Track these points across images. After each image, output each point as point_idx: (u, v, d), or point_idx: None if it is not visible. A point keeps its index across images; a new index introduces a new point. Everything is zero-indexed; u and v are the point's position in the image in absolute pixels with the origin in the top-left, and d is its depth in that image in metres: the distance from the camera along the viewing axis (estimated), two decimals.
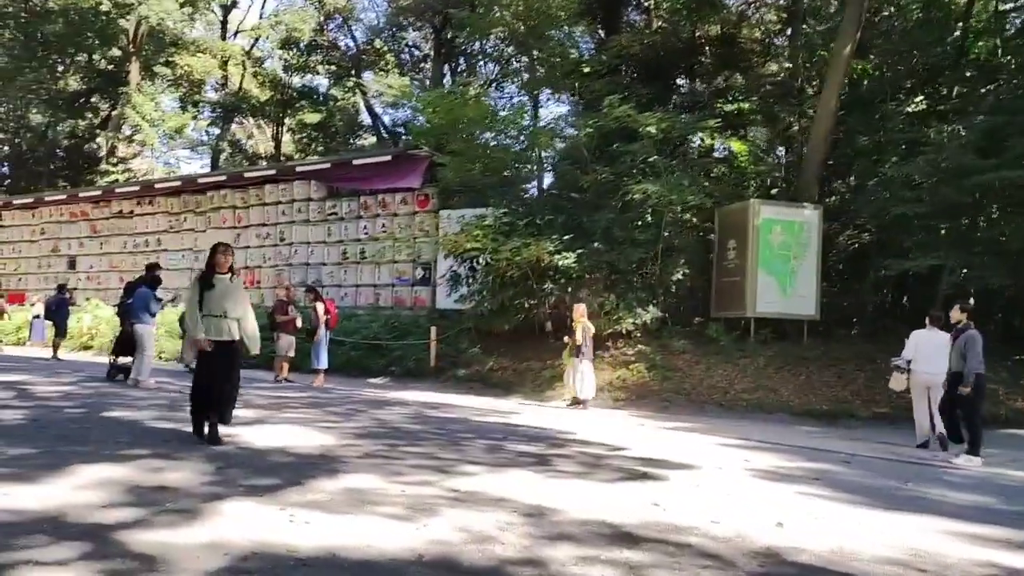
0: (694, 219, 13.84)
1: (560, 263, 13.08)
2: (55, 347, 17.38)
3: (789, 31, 16.53)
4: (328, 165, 18.95)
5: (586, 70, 15.08)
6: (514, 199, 15.24)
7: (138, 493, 4.25)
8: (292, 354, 13.65)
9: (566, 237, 13.21)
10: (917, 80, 13.40)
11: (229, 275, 6.47)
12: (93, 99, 34.36)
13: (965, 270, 11.76)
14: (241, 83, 36.57)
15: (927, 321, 8.85)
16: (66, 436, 6.06)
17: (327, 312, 13.33)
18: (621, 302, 12.92)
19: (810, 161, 13.08)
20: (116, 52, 30.39)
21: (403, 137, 28.45)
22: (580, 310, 11.53)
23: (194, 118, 31.18)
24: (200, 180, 21.48)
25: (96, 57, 31.50)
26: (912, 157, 11.94)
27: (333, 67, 34.91)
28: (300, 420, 7.93)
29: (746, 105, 14.55)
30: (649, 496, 4.96)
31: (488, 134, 15.49)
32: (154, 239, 22.50)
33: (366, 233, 18.56)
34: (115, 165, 29.05)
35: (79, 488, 4.29)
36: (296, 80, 35.49)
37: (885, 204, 11.86)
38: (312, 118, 36.39)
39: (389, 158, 17.61)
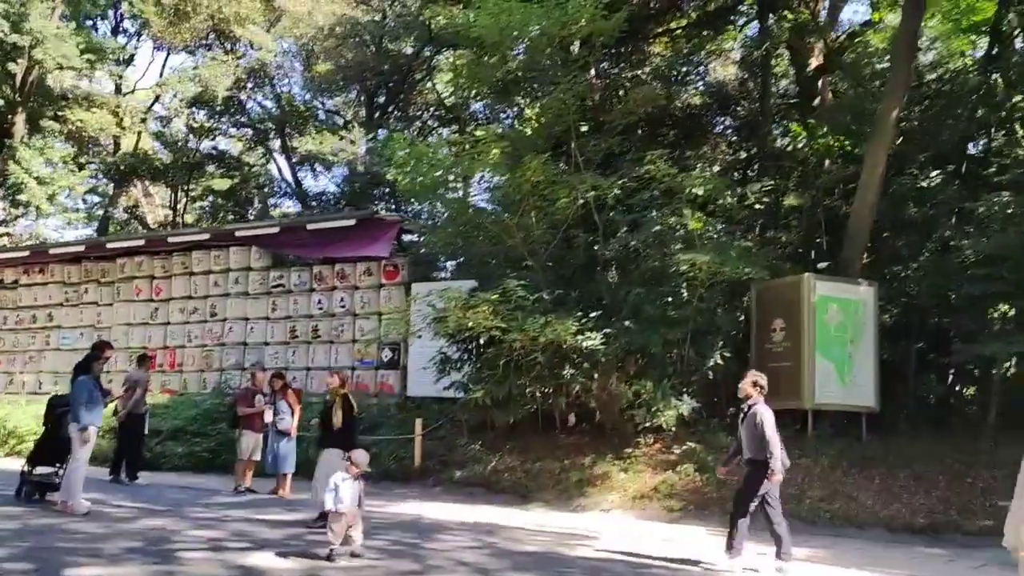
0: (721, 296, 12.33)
1: (584, 344, 11.19)
2: None
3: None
4: (276, 229, 16.45)
5: (584, 128, 13.54)
6: (511, 270, 13.32)
7: None
8: (257, 457, 10.97)
9: (592, 315, 11.36)
10: (960, 146, 12.67)
11: None
12: None
13: None
14: (137, 143, 33.29)
15: None
16: None
17: (297, 399, 10.77)
18: (658, 391, 11.08)
19: (854, 232, 11.95)
20: None
21: (335, 204, 26.07)
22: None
23: (92, 176, 27.58)
24: (110, 245, 18.29)
25: None
26: (964, 227, 11.06)
27: (248, 130, 32.33)
28: None
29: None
30: None
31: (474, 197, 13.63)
32: (44, 314, 18.94)
33: (320, 308, 16.03)
34: None
35: None
36: (205, 144, 32.58)
37: (947, 282, 10.81)
38: (221, 184, 33.39)
39: (353, 223, 15.37)
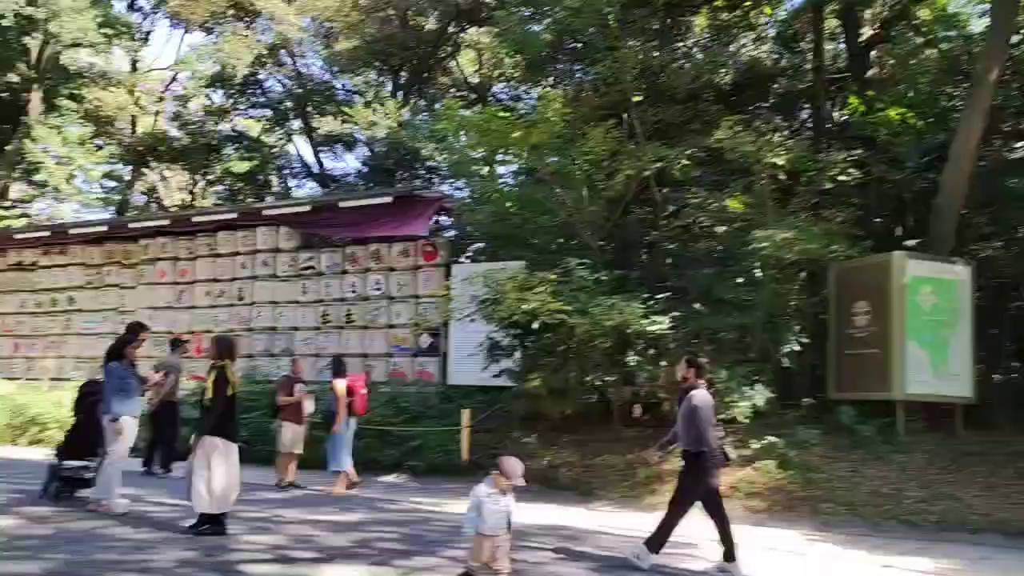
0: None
1: (651, 329, 10.30)
2: None
3: None
4: (307, 208, 15.57)
5: (637, 99, 12.58)
6: (565, 250, 12.44)
7: None
8: (299, 450, 10.14)
9: (660, 297, 10.47)
10: None
11: None
12: None
13: None
14: (155, 124, 32.48)
15: None
16: None
17: (350, 393, 9.92)
18: (734, 380, 10.18)
19: (945, 206, 10.97)
20: (13, 78, 25.83)
21: (365, 186, 25.14)
22: None
23: (110, 158, 26.77)
24: (132, 225, 17.48)
25: None
26: None
27: (268, 110, 31.42)
28: None
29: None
30: None
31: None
32: (64, 297, 18.18)
33: (354, 291, 15.17)
34: (8, 209, 24.30)
35: None
36: (223, 125, 31.70)
37: None
38: (240, 166, 32.54)
39: (389, 200, 14.45)
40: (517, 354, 11.85)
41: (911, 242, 11.58)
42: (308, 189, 31.56)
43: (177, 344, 11.16)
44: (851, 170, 10.53)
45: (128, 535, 5.93)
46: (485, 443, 12.16)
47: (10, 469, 11.03)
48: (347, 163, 31.96)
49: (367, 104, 29.22)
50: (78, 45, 25.27)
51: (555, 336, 10.79)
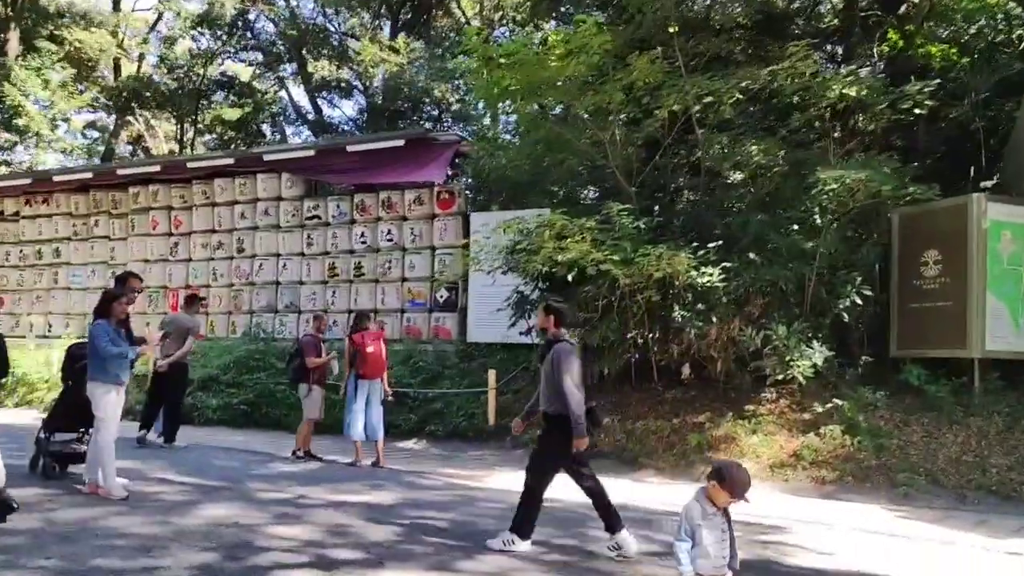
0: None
1: (700, 282, 9.31)
2: None
3: None
4: (311, 152, 14.35)
5: (672, 29, 11.36)
6: (598, 195, 11.39)
7: None
8: (321, 416, 9.18)
9: (712, 246, 9.45)
10: None
11: None
12: None
13: None
14: (139, 68, 30.85)
15: None
16: None
17: (354, 347, 8.80)
18: (792, 337, 9.22)
19: (1020, 143, 9.92)
20: None
21: (354, 133, 23.76)
22: None
23: (94, 101, 25.26)
24: (121, 172, 16.23)
25: None
26: None
27: (259, 54, 29.80)
28: None
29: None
30: None
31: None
32: (50, 249, 17.02)
33: (363, 243, 14.08)
34: None
35: None
36: (212, 70, 30.08)
37: None
38: (231, 114, 31.04)
39: (401, 143, 13.29)
40: None
41: (987, 183, 10.53)
42: (304, 138, 30.23)
43: (193, 301, 10.02)
44: (927, 103, 9.40)
45: (130, 528, 4.97)
46: (511, 406, 11.27)
47: None
48: (343, 111, 30.51)
49: (372, 40, 27.63)
50: None
51: (594, 288, 9.79)
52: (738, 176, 10.61)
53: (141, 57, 30.60)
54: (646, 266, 8.93)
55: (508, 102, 11.02)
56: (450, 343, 13.06)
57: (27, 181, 17.15)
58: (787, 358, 9.20)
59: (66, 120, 29.17)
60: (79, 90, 27.35)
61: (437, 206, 13.46)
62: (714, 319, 9.54)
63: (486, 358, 12.30)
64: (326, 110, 29.28)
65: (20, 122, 22.55)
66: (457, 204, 13.35)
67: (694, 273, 9.24)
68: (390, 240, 13.82)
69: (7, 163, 24.20)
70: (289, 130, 29.75)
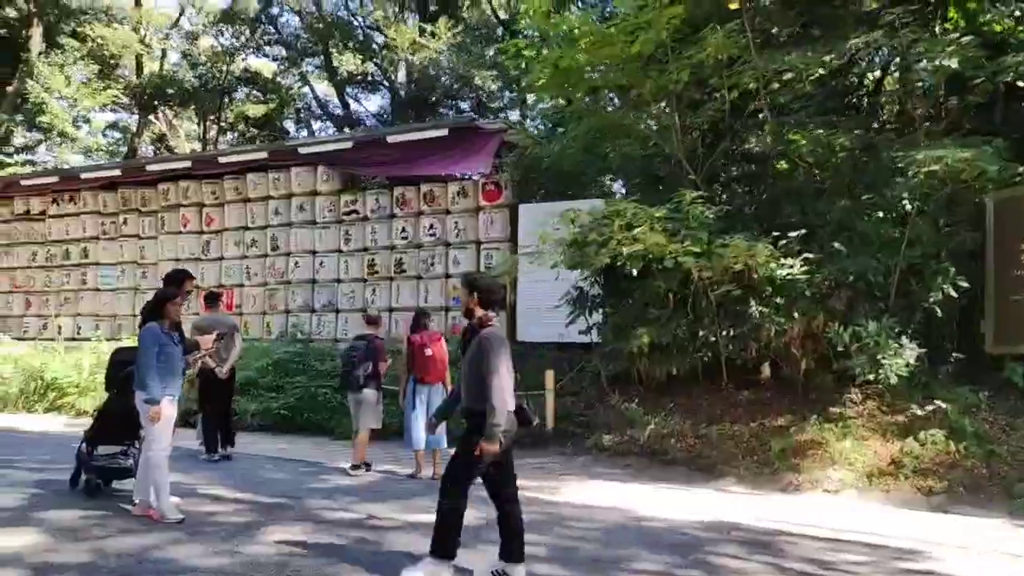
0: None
1: (780, 274, 8.60)
2: None
3: None
4: (349, 144, 13.72)
5: (733, 5, 10.60)
6: (656, 183, 10.69)
7: None
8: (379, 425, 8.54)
9: (793, 235, 8.73)
10: None
11: None
12: None
13: None
14: (161, 65, 30.42)
15: None
16: None
17: (412, 348, 8.13)
18: (882, 334, 8.47)
19: None
20: (11, 13, 23.77)
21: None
22: None
23: (115, 102, 24.77)
24: (150, 168, 15.69)
25: None
26: None
27: (283, 48, 29.25)
28: None
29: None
30: None
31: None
32: (78, 249, 16.53)
33: (404, 238, 13.45)
34: (12, 155, 22.50)
35: None
36: (236, 65, 29.57)
37: None
38: (256, 110, 30.55)
39: (444, 133, 12.63)
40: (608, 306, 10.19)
41: None
42: (329, 134, 29.62)
43: (217, 298, 9.38)
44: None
45: (194, 559, 4.34)
46: (570, 410, 10.62)
47: (28, 446, 9.50)
48: (365, 107, 29.81)
49: (386, 46, 26.89)
50: None
51: (664, 283, 9.11)
52: (813, 160, 9.83)
53: (163, 54, 30.17)
54: (726, 258, 8.24)
55: (565, 85, 10.26)
56: None
57: (54, 179, 16.65)
58: (878, 356, 8.46)
59: (87, 120, 28.81)
60: (101, 88, 26.96)
61: (482, 198, 12.79)
62: (795, 314, 8.83)
63: (539, 359, 11.63)
64: (352, 105, 28.71)
65: (43, 119, 22.12)
66: (504, 196, 12.67)
67: (773, 265, 8.55)
68: (432, 235, 13.17)
69: (32, 163, 23.80)
70: (316, 125, 29.22)
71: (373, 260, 13.65)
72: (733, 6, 10.35)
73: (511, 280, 12.46)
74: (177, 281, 6.60)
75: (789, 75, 9.05)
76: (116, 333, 15.25)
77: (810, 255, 8.74)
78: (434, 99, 20.13)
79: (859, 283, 8.91)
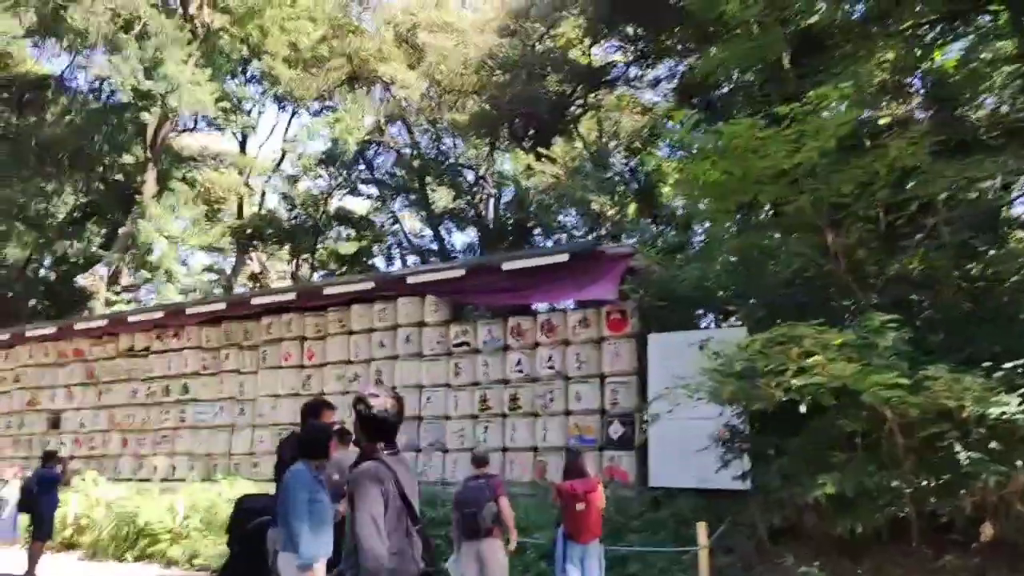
0: None
1: (994, 413, 7.17)
2: (32, 554, 10.75)
3: None
4: (461, 272, 13.09)
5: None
6: (815, 309, 9.50)
7: None
8: None
9: (1008, 367, 7.38)
10: None
11: None
12: (90, 221, 28.55)
13: None
14: (261, 205, 31.55)
15: None
16: None
17: (562, 500, 6.96)
18: None
19: None
20: (128, 159, 25.06)
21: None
22: None
23: (223, 236, 25.45)
24: (255, 301, 15.41)
25: (103, 168, 26.00)
26: None
27: (376, 187, 29.93)
28: None
29: None
30: None
31: None
32: (178, 385, 16.13)
33: (520, 371, 12.47)
34: (119, 294, 22.98)
35: None
36: (331, 204, 30.40)
37: None
38: (348, 248, 31.05)
39: (564, 258, 11.87)
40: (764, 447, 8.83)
41: None
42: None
43: (346, 436, 8.39)
44: None
45: None
46: (726, 568, 9.06)
47: None
48: (454, 242, 29.84)
49: (478, 180, 27.12)
50: (193, 129, 24.52)
51: (844, 420, 7.78)
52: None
53: (263, 195, 31.32)
54: (936, 392, 6.91)
55: (708, 201, 9.44)
56: (629, 488, 11.02)
57: (159, 315, 16.55)
58: None
59: (183, 264, 29.64)
60: (208, 228, 27.87)
61: (607, 327, 11.80)
62: (1019, 463, 7.32)
63: (678, 508, 10.19)
64: (444, 237, 28.83)
65: (152, 258, 22.68)
66: (631, 325, 11.65)
67: (992, 401, 7.16)
68: (551, 368, 12.15)
69: (137, 301, 24.30)
70: (410, 260, 29.30)
71: (485, 395, 12.65)
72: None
73: (640, 418, 11.28)
74: (319, 412, 5.68)
75: (985, 184, 7.97)
76: (211, 474, 14.48)
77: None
78: (522, 229, 19.70)
79: None
